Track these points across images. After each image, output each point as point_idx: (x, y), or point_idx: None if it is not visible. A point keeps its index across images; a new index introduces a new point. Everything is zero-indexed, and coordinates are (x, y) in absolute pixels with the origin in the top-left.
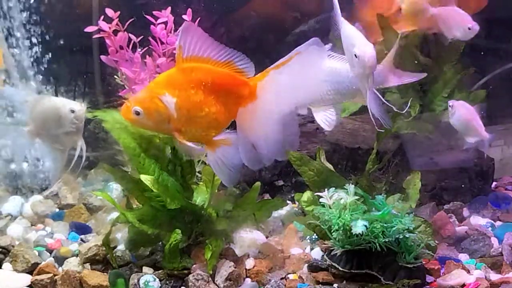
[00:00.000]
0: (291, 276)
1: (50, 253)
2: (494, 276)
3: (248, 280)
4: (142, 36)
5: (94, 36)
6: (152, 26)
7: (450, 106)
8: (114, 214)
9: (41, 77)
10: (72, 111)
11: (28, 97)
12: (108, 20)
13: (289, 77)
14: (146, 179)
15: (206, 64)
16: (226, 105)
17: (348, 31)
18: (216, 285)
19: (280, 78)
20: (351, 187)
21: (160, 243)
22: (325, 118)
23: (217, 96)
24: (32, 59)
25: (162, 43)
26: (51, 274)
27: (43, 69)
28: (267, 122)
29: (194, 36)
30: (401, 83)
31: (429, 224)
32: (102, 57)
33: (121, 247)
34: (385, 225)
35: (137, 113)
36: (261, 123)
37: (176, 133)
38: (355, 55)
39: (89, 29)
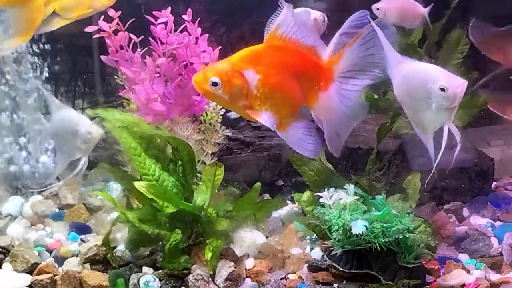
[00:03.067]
0: (291, 276)
1: (50, 253)
2: (494, 276)
3: (248, 280)
4: (142, 36)
5: (94, 36)
6: (152, 26)
7: None
8: (114, 214)
9: (40, 76)
10: (89, 133)
11: (55, 101)
12: (108, 19)
13: (362, 54)
14: (140, 185)
15: (292, 45)
16: (303, 89)
17: (422, 66)
18: (216, 285)
19: (354, 57)
20: (351, 187)
21: (160, 243)
22: None
23: (298, 78)
24: (31, 59)
25: (162, 43)
26: (51, 274)
27: (42, 68)
28: (346, 103)
29: (291, 17)
30: None
31: (429, 224)
32: (102, 57)
33: (121, 247)
34: (385, 225)
35: (215, 84)
36: (340, 106)
37: (249, 111)
38: (442, 88)
39: (89, 29)
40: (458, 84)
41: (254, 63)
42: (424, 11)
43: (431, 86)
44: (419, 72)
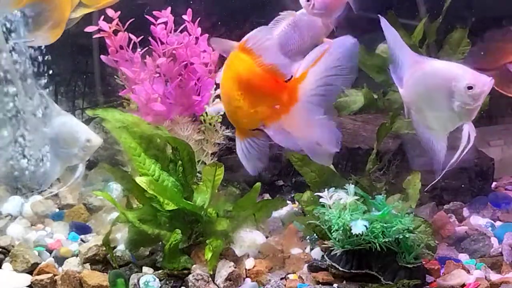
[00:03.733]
0: (291, 276)
1: (50, 253)
2: (494, 276)
3: (248, 280)
4: (142, 36)
5: (94, 36)
6: (152, 26)
7: None
8: (114, 214)
9: (40, 76)
10: (88, 141)
11: (56, 107)
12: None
13: (326, 72)
14: (141, 181)
15: (251, 63)
16: (258, 106)
17: (443, 64)
18: (216, 285)
19: (318, 74)
20: (351, 187)
21: (160, 243)
22: None
23: (250, 95)
24: (31, 58)
25: (162, 43)
26: (51, 274)
27: (43, 68)
28: (313, 122)
29: (262, 37)
30: None
31: (429, 224)
32: (102, 57)
33: (121, 247)
34: (385, 225)
35: None
36: (308, 124)
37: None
38: (469, 87)
39: (89, 29)
40: (485, 82)
41: (226, 65)
42: None
43: (455, 85)
44: (441, 71)
